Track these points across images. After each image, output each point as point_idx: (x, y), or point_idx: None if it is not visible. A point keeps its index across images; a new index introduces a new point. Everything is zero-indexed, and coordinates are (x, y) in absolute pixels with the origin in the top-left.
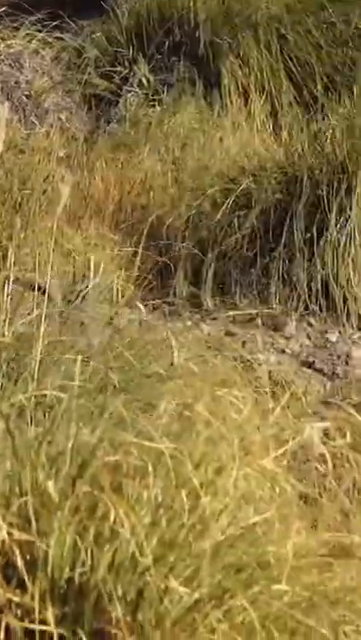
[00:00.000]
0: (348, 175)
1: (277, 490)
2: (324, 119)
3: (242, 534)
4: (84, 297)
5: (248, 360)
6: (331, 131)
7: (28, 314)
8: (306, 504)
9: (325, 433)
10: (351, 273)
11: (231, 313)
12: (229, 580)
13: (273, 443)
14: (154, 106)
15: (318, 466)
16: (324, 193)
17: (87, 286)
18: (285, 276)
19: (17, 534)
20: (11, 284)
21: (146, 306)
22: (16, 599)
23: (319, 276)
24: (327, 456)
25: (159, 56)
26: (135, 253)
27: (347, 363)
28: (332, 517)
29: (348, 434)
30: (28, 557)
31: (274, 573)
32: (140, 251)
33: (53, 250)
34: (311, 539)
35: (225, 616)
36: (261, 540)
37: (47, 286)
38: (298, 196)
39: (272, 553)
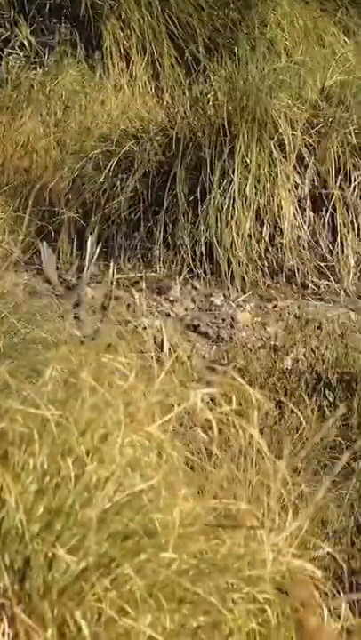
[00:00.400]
0: (230, 137)
1: (163, 457)
2: (205, 81)
3: (128, 502)
4: None
5: (133, 324)
6: (213, 92)
7: None
8: (192, 471)
9: (211, 398)
10: (235, 236)
11: (115, 277)
12: (116, 548)
13: (158, 409)
14: (35, 68)
15: (204, 432)
16: (207, 155)
17: None
18: (169, 240)
19: None
20: None
21: (30, 270)
22: None
23: (203, 239)
24: (213, 422)
25: (40, 18)
26: (18, 217)
27: (232, 326)
28: (219, 484)
29: (233, 399)
30: None
31: (161, 541)
32: (26, 215)
33: None
34: (198, 506)
35: (112, 584)
36: (148, 508)
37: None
38: (180, 158)
39: (159, 520)
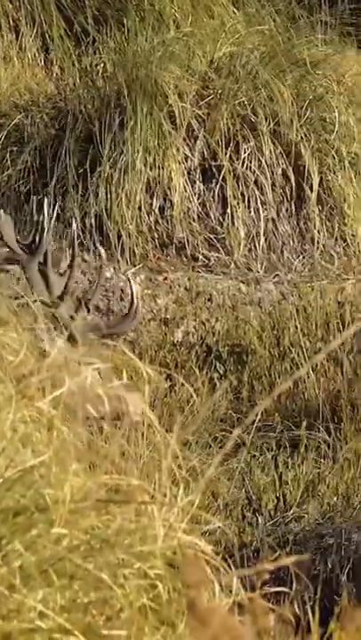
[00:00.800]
0: (120, 109)
1: (55, 432)
2: (95, 52)
3: (19, 477)
4: None
5: (23, 298)
6: (102, 64)
7: None
8: (83, 446)
9: (102, 372)
10: (125, 208)
11: (5, 250)
12: (7, 524)
13: (50, 385)
14: None
15: (95, 407)
16: (97, 127)
17: None
18: (59, 212)
19: None
20: None
21: None
22: None
23: (93, 212)
24: (104, 397)
25: None
26: None
27: (122, 299)
28: (110, 459)
29: (124, 373)
30: None
31: (52, 517)
32: None
33: None
34: (89, 481)
35: (3, 560)
36: (39, 483)
37: None
38: (70, 130)
39: (50, 496)
